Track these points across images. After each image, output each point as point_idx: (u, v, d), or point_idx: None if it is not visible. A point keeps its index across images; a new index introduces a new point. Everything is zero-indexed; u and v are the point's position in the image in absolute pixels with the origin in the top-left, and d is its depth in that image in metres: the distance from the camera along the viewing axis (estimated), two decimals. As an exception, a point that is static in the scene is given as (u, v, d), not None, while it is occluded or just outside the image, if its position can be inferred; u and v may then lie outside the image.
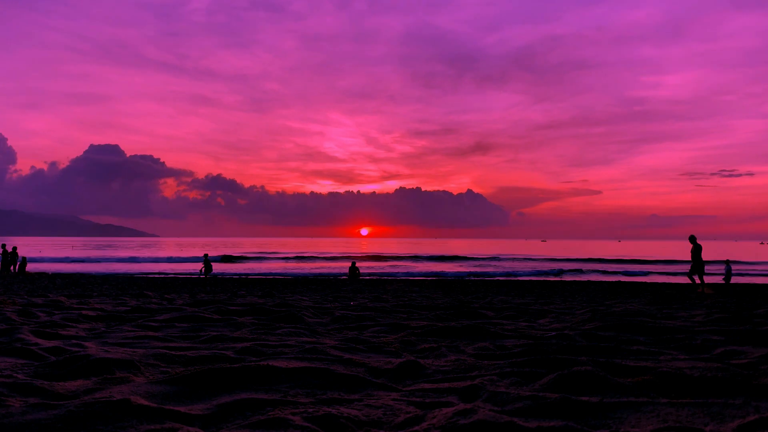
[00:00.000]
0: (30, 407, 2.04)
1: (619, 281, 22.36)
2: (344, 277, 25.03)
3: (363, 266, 32.91)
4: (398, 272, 35.23)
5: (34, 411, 1.99)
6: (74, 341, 3.88)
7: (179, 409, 2.14)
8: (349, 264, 25.99)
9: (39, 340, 3.91)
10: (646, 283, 21.62)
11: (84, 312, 5.75)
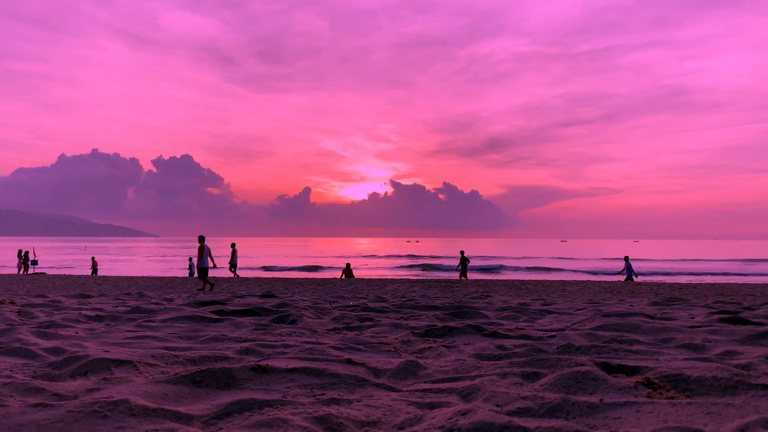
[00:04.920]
0: (29, 407, 2.03)
1: (619, 281, 22.35)
2: (342, 276, 25.21)
3: (359, 265, 32.75)
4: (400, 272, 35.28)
5: (34, 411, 1.99)
6: (74, 341, 3.88)
7: (179, 409, 2.13)
8: (343, 265, 26.27)
9: (38, 340, 3.91)
10: (646, 282, 21.63)
11: (83, 312, 5.75)
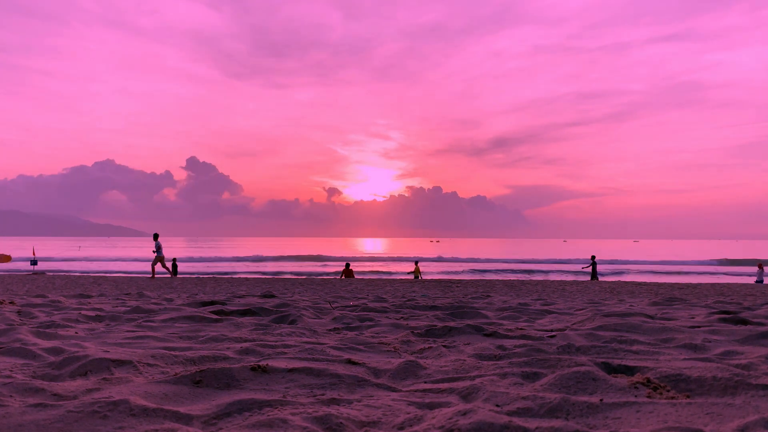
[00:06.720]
0: (29, 407, 2.03)
1: (619, 281, 22.37)
2: (342, 276, 25.28)
3: (360, 267, 32.29)
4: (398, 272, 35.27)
5: (33, 411, 1.99)
6: (73, 341, 3.87)
7: (179, 409, 2.13)
8: (343, 265, 26.53)
9: (38, 340, 3.91)
10: (646, 282, 21.63)
11: (83, 312, 5.75)
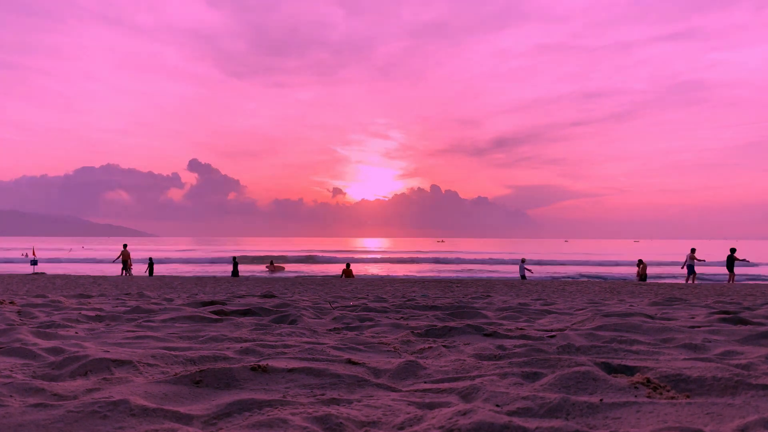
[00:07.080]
0: (29, 407, 2.03)
1: (622, 281, 22.37)
2: (342, 276, 25.32)
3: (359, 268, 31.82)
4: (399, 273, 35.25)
5: (34, 411, 1.99)
6: (73, 341, 3.88)
7: (179, 409, 2.13)
8: (344, 265, 26.61)
9: (38, 340, 3.91)
10: (646, 282, 21.62)
11: (83, 312, 5.75)
